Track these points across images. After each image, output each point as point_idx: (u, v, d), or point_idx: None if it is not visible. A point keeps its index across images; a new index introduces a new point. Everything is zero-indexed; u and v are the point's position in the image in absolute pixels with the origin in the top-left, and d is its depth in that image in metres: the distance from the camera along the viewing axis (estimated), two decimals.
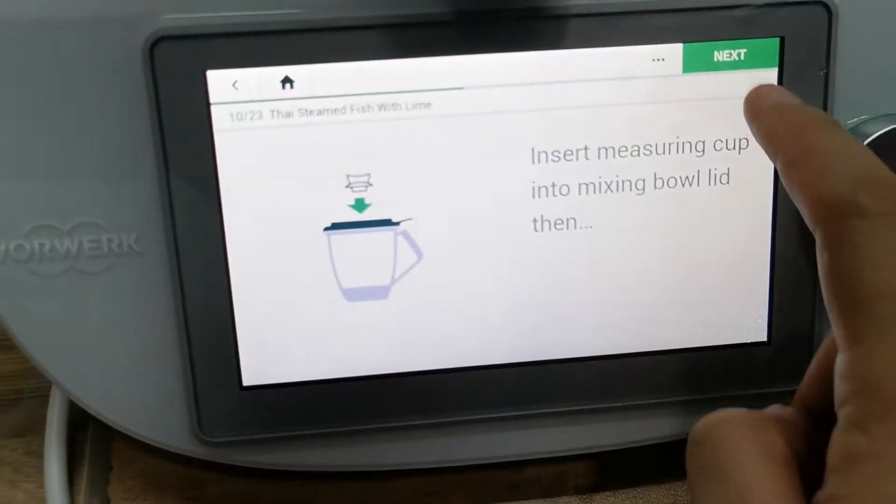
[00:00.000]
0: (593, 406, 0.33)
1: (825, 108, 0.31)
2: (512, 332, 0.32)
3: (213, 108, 0.29)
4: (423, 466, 0.34)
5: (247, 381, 0.31)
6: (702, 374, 0.33)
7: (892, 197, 0.18)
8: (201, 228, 0.30)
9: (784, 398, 0.34)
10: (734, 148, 0.31)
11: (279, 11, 0.28)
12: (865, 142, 0.30)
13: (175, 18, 0.28)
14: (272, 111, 0.29)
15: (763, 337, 0.33)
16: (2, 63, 0.28)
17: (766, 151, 0.22)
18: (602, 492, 0.36)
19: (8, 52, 0.28)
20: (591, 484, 0.36)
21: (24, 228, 0.29)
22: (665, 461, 0.37)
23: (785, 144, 0.21)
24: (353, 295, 0.31)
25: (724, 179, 0.31)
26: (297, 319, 0.31)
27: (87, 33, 0.28)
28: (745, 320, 0.33)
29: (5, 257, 0.29)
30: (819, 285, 0.19)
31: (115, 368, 0.31)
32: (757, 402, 0.34)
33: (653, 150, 0.31)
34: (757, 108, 0.22)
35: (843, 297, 0.18)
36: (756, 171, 0.31)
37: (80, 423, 0.36)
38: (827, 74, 0.31)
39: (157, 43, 0.28)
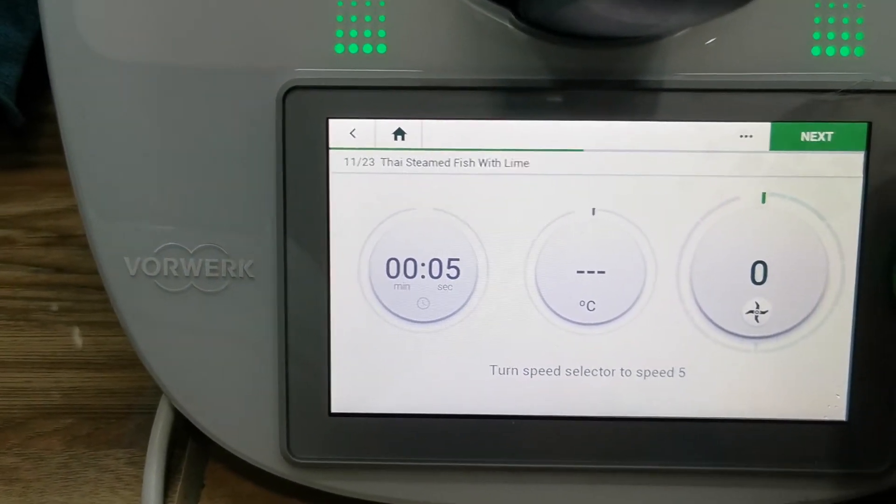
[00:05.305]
0: (673, 468, 0.34)
1: None
2: (601, 388, 0.33)
3: (331, 153, 0.32)
4: None
5: (335, 408, 0.34)
6: (777, 447, 0.34)
7: None
8: (309, 261, 0.33)
9: (863, 480, 0.34)
10: None
11: (396, 70, 0.32)
12: None
13: (306, 72, 0.32)
14: (383, 159, 0.32)
15: (842, 416, 0.33)
16: (154, 104, 0.32)
17: None
18: None
19: (159, 95, 0.32)
20: None
21: (156, 247, 0.33)
22: None
23: None
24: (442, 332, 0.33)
25: None
26: (389, 355, 0.33)
27: (228, 81, 0.32)
28: (823, 397, 0.33)
29: (137, 272, 0.33)
30: None
31: (218, 382, 0.34)
32: (835, 481, 0.34)
33: None
34: None
35: None
36: (839, 247, 0.32)
37: (181, 442, 0.39)
38: None
39: (290, 92, 0.32)
